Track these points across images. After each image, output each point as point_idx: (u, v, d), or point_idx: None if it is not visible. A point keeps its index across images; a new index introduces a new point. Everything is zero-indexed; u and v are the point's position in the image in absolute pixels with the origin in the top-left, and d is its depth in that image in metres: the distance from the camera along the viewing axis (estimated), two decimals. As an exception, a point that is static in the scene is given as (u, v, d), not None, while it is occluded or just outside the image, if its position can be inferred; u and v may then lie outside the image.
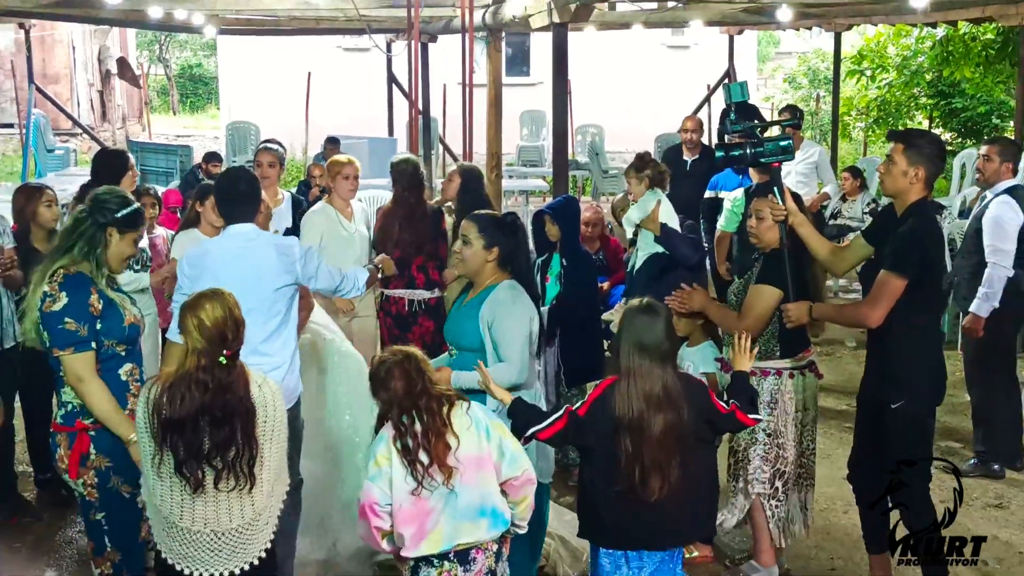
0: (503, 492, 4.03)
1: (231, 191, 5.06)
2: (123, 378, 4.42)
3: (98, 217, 4.42)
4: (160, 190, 12.57)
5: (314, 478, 5.56)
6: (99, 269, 4.41)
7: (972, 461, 7.11)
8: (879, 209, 5.10)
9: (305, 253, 5.03)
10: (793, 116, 8.40)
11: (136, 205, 4.55)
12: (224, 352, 3.85)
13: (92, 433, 4.33)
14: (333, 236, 7.11)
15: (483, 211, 5.34)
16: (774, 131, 5.76)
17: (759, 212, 5.35)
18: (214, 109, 32.23)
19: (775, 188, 5.28)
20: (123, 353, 4.42)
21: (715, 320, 5.54)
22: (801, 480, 5.49)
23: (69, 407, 4.37)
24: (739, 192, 7.82)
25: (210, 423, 3.77)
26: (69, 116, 20.70)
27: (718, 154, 5.57)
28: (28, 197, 6.46)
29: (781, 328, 5.28)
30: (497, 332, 4.73)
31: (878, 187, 13.48)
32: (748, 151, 5.28)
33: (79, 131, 22.07)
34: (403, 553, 3.96)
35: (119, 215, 4.44)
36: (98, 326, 4.31)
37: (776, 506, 5.40)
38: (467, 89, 9.87)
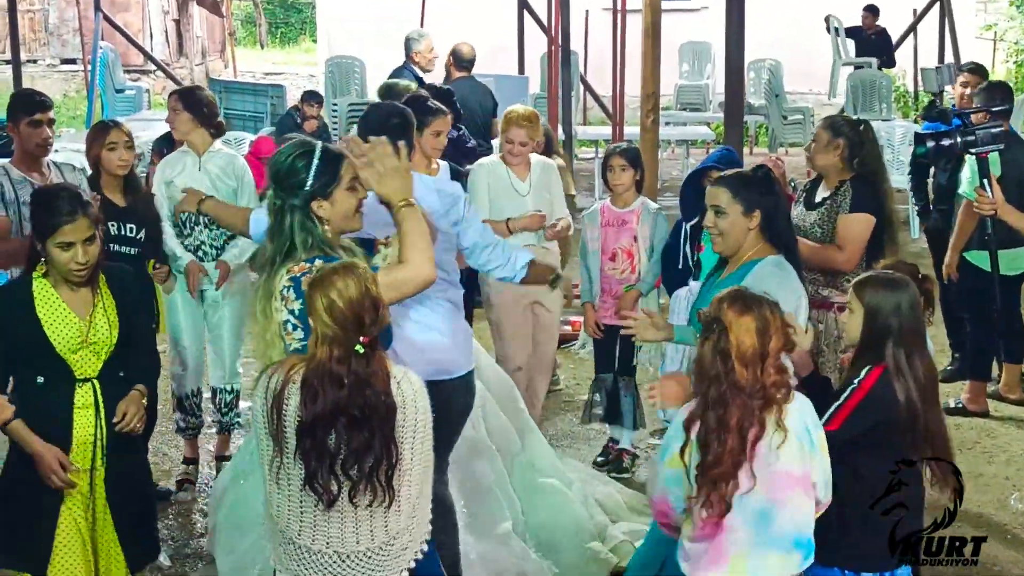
0: None
1: (383, 127, 4.94)
2: None
3: (292, 201, 4.27)
4: (249, 137, 12.82)
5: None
6: (332, 249, 4.32)
7: None
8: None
9: (465, 198, 5.13)
10: (1002, 99, 8.13)
11: (318, 150, 4.32)
12: (361, 339, 3.72)
13: None
14: (501, 190, 7.21)
15: (730, 170, 5.22)
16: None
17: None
18: (308, 42, 32.80)
19: (984, 180, 5.78)
20: None
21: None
22: None
23: None
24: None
25: (346, 425, 3.67)
26: (141, 50, 21.25)
27: (927, 144, 6.03)
28: (93, 137, 6.59)
29: None
30: None
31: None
32: (958, 139, 5.79)
33: (152, 68, 22.65)
34: (689, 572, 3.88)
35: (308, 186, 4.26)
36: None
37: None
38: (619, 16, 9.84)
